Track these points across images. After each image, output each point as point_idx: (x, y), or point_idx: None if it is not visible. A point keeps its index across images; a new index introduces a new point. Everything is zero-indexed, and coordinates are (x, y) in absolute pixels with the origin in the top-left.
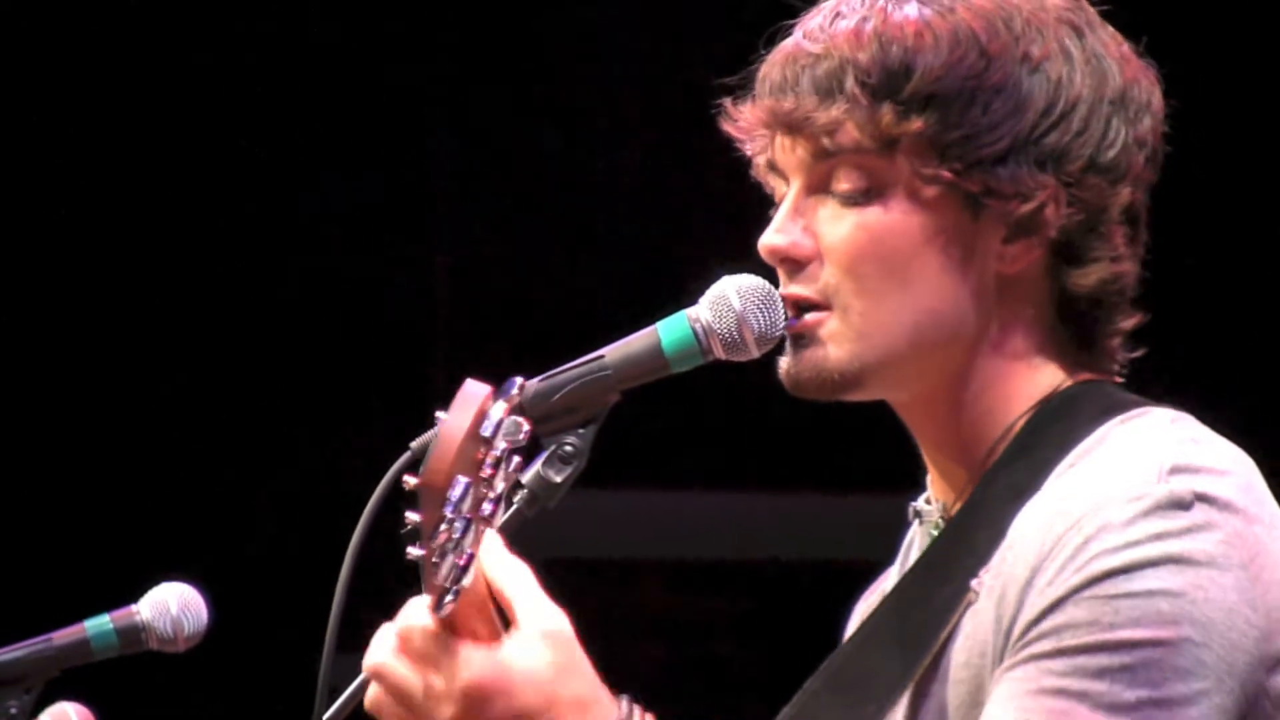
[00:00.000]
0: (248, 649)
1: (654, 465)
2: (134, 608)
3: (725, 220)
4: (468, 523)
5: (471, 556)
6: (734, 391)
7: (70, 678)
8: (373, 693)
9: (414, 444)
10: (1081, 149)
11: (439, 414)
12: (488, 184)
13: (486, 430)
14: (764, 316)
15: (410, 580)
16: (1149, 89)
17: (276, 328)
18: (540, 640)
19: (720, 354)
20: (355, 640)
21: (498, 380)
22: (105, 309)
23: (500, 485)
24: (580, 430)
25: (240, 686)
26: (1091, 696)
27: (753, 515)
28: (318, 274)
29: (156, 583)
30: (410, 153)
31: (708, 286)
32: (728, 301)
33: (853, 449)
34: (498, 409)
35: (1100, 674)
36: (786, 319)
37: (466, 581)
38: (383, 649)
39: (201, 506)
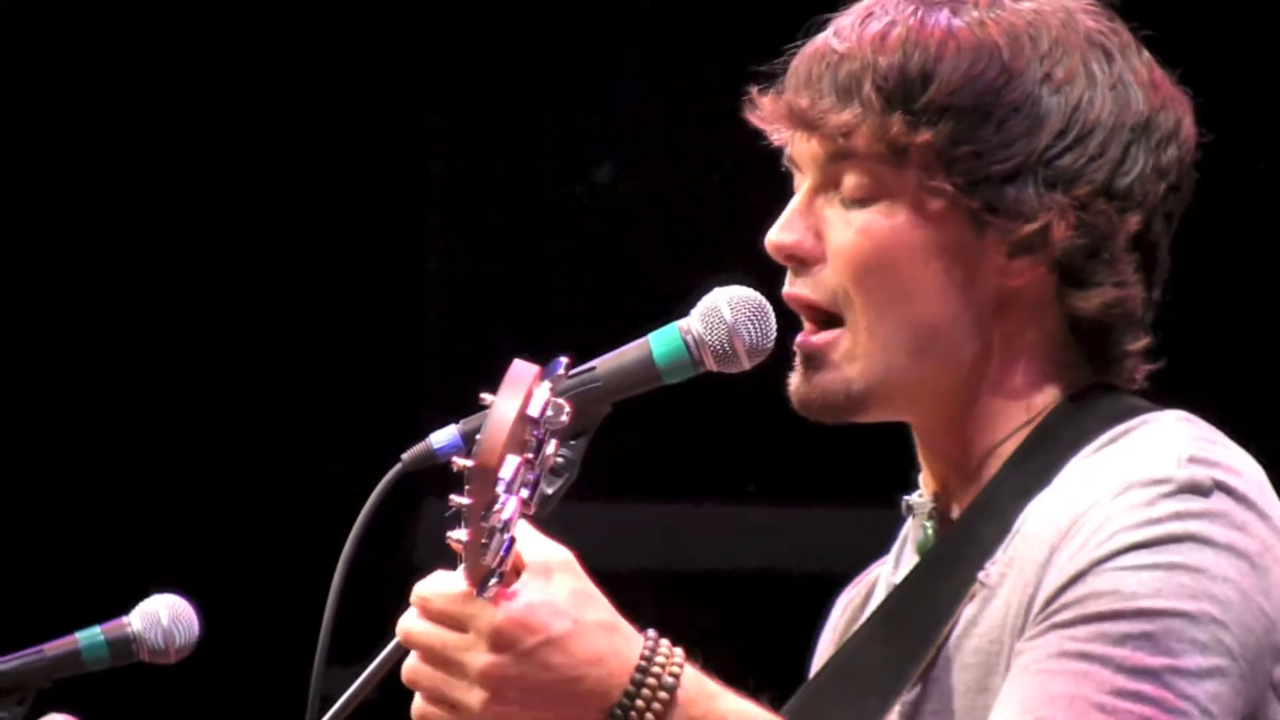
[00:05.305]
0: (239, 660)
1: (645, 476)
2: (125, 619)
3: (719, 230)
4: (515, 504)
5: (514, 538)
6: (725, 402)
7: (61, 689)
8: (408, 664)
9: (405, 456)
10: (1095, 174)
11: (486, 396)
12: (481, 195)
13: (533, 411)
14: (756, 328)
15: (401, 588)
16: (1177, 118)
17: (267, 340)
18: (554, 572)
19: (712, 365)
20: (347, 652)
21: (491, 388)
22: (96, 322)
23: (539, 469)
24: (572, 442)
25: (231, 698)
26: (1114, 660)
27: (745, 526)
28: (307, 288)
29: (147, 594)
30: (402, 170)
31: (700, 298)
32: (719, 313)
33: (847, 460)
34: (543, 390)
35: (1122, 640)
36: (797, 332)
37: (509, 564)
38: (407, 616)
39: (192, 518)
